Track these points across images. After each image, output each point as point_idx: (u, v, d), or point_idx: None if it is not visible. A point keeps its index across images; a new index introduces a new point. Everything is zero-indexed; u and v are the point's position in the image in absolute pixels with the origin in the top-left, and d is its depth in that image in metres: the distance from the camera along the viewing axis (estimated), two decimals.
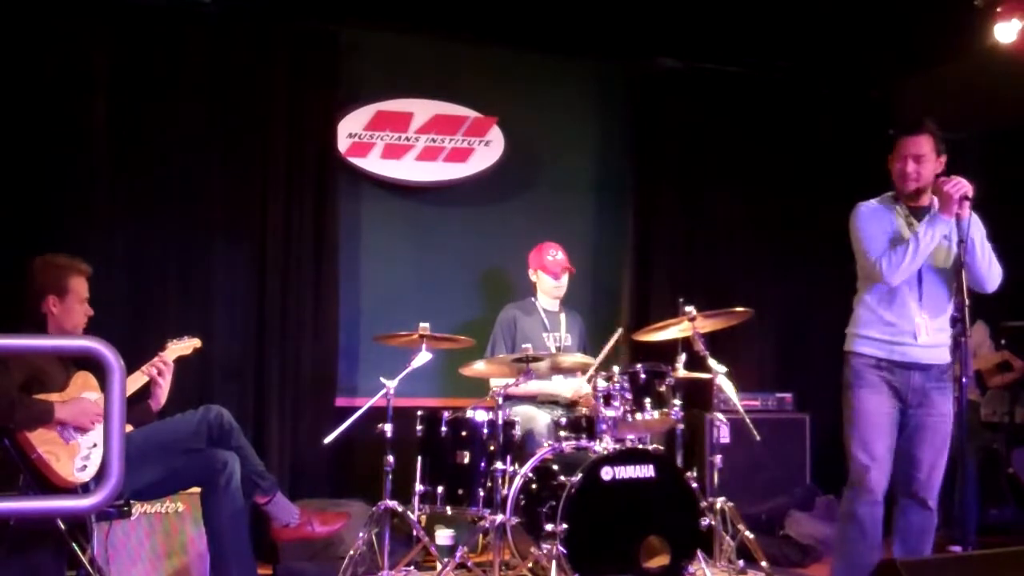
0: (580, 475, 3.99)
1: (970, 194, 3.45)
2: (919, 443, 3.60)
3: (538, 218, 5.82)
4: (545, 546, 3.97)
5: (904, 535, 3.64)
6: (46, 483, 3.41)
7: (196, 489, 3.85)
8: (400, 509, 4.27)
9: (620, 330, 4.87)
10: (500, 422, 4.22)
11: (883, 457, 3.55)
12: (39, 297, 3.71)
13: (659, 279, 5.95)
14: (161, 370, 3.89)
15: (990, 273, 3.59)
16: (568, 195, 5.99)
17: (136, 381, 3.84)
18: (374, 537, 4.31)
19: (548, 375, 4.83)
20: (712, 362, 4.47)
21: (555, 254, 5.11)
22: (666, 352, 4.87)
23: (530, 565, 4.23)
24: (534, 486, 4.21)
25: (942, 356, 3.63)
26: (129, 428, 3.67)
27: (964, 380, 3.41)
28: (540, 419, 4.74)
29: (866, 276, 3.68)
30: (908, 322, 3.57)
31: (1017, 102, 5.69)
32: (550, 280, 5.10)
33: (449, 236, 5.74)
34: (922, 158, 3.57)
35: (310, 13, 5.43)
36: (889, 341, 3.59)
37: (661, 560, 4.02)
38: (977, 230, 3.57)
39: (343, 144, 5.46)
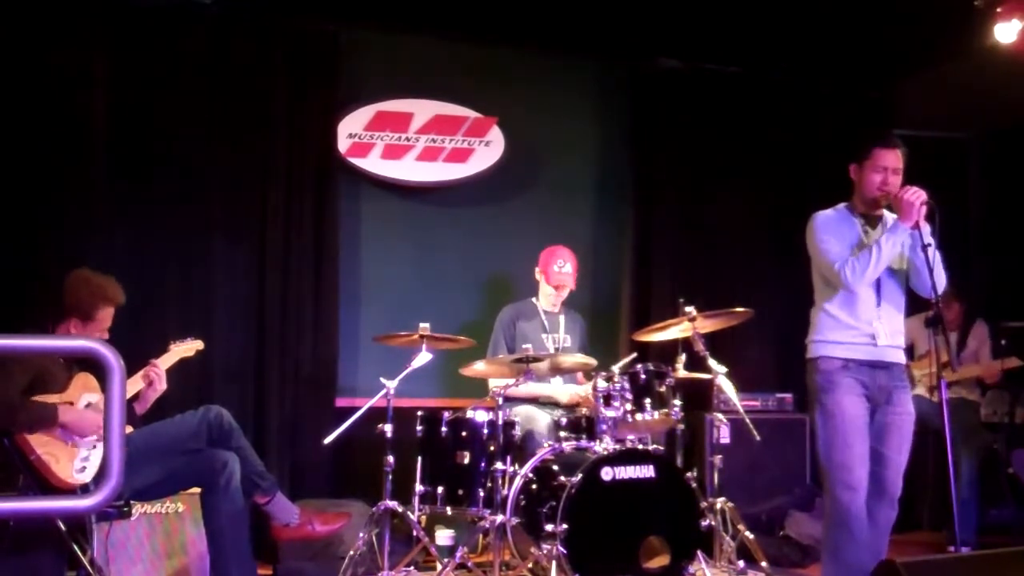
0: (580, 475, 3.99)
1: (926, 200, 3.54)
2: (887, 442, 3.64)
3: (538, 218, 5.82)
4: (545, 546, 3.96)
5: (872, 536, 3.62)
6: (46, 484, 3.40)
7: (196, 489, 3.85)
8: (400, 509, 4.27)
9: (635, 355, 4.77)
10: (500, 422, 4.22)
11: (864, 457, 3.59)
12: (62, 314, 3.66)
13: (659, 279, 5.95)
14: (157, 377, 3.88)
15: (939, 279, 3.64)
16: (568, 195, 5.99)
17: (134, 385, 3.83)
18: (374, 537, 4.30)
19: (547, 376, 4.83)
20: (712, 362, 4.47)
21: (562, 265, 5.04)
22: (666, 352, 4.87)
23: (530, 565, 4.23)
24: (534, 486, 4.21)
25: (901, 356, 3.74)
26: (129, 429, 3.67)
27: (943, 380, 3.49)
28: (540, 419, 4.74)
29: (825, 284, 3.76)
30: (867, 325, 3.67)
31: (1017, 102, 5.69)
32: (548, 288, 5.10)
33: (449, 236, 5.74)
34: (897, 171, 3.66)
35: (310, 13, 5.43)
36: (851, 343, 3.66)
37: (661, 560, 4.02)
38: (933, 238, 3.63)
39: (343, 144, 5.46)
